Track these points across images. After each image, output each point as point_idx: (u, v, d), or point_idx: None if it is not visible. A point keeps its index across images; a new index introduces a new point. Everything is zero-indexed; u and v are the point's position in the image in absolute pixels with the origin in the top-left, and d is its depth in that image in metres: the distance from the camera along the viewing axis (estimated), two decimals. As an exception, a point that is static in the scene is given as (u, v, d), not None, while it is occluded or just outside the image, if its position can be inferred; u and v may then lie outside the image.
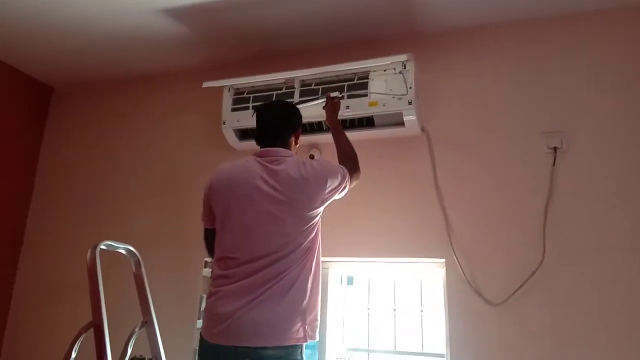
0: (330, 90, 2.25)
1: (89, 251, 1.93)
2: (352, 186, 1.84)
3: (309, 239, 1.68)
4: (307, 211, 1.67)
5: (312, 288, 1.67)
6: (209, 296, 1.69)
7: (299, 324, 1.60)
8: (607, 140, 2.10)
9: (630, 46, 2.16)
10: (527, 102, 2.24)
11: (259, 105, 1.93)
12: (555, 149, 2.13)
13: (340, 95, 2.22)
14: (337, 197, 1.77)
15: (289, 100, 2.23)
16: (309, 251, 1.69)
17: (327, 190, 1.70)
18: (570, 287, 1.99)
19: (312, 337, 1.65)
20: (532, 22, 2.32)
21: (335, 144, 2.03)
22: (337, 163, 1.86)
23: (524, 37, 2.33)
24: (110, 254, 2.08)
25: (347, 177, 1.80)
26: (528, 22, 2.33)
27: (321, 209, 1.72)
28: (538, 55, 2.28)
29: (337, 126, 2.08)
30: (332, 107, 2.15)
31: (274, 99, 2.32)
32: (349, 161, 1.92)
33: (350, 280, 2.50)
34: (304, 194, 1.67)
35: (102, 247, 1.99)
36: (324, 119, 2.23)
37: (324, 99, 2.20)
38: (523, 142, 2.20)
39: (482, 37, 2.39)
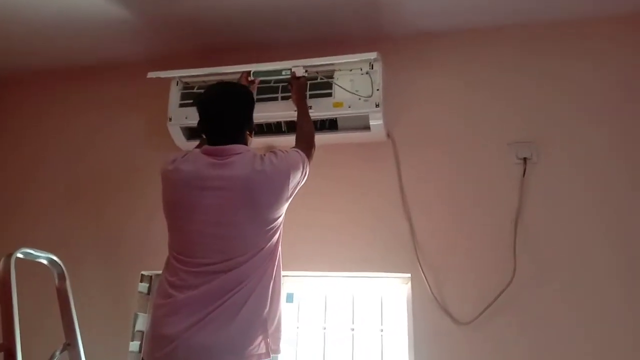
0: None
1: (2, 260, 1.65)
2: (310, 166, 1.67)
3: (270, 242, 1.51)
4: (267, 211, 1.49)
5: (272, 296, 1.49)
6: (154, 309, 1.47)
7: (259, 338, 1.42)
8: (579, 151, 2.04)
9: (605, 56, 2.13)
10: (498, 111, 2.16)
11: (201, 94, 1.67)
12: (525, 159, 2.05)
13: (305, 73, 2.05)
14: (300, 185, 1.61)
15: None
16: (270, 256, 1.51)
17: (290, 186, 1.53)
18: (543, 304, 1.88)
19: (276, 351, 1.48)
20: (504, 29, 2.26)
21: (297, 120, 1.89)
22: (293, 148, 1.68)
23: (495, 43, 2.26)
24: (30, 263, 1.79)
25: (306, 161, 1.63)
26: (499, 28, 2.26)
27: (284, 208, 1.55)
28: (509, 62, 2.21)
29: (303, 106, 1.94)
30: (298, 86, 2.01)
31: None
32: (305, 139, 1.77)
33: (289, 298, 2.29)
34: (263, 192, 1.48)
35: (19, 255, 1.71)
36: (284, 118, 2.07)
37: (289, 76, 2.05)
38: (492, 152, 2.11)
39: (452, 42, 2.30)
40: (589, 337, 1.83)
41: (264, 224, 1.48)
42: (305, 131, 1.83)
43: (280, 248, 1.59)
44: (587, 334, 1.83)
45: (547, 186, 2.02)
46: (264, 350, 1.42)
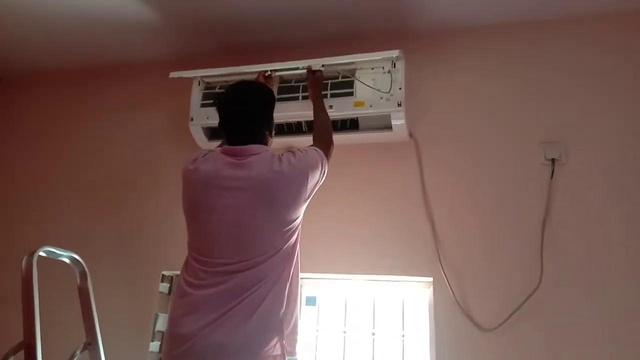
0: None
1: (25, 258, 1.67)
2: (329, 163, 1.65)
3: (288, 244, 1.49)
4: (285, 212, 1.47)
5: (289, 297, 1.47)
6: (172, 308, 1.48)
7: (275, 339, 1.40)
8: (608, 152, 1.95)
9: (637, 52, 2.03)
10: (524, 110, 2.09)
11: (220, 94, 1.67)
12: (553, 160, 1.97)
13: (322, 68, 2.02)
14: (319, 185, 1.58)
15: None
16: (288, 257, 1.49)
17: (309, 187, 1.50)
18: (570, 311, 1.81)
19: (292, 353, 1.46)
20: (532, 24, 2.18)
21: (314, 117, 1.87)
22: (311, 146, 1.64)
23: (523, 39, 2.18)
24: (52, 262, 1.81)
25: (325, 160, 1.60)
26: (528, 23, 2.18)
27: (302, 209, 1.52)
28: (538, 60, 2.13)
29: (319, 101, 1.92)
30: (314, 81, 1.99)
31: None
32: (323, 137, 1.75)
33: (311, 301, 2.26)
34: (281, 192, 1.46)
35: (42, 253, 1.73)
36: (304, 118, 2.05)
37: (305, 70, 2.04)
38: (519, 153, 2.04)
39: (477, 38, 2.23)
40: (617, 344, 1.74)
41: (282, 225, 1.46)
42: (322, 128, 1.81)
43: (298, 249, 1.57)
44: (616, 341, 1.75)
45: (575, 188, 1.94)
46: (279, 352, 1.41)
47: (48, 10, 2.31)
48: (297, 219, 1.51)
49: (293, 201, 1.47)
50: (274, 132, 1.70)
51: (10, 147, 2.83)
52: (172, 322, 1.44)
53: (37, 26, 2.45)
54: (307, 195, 1.51)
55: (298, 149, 1.57)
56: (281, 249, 1.46)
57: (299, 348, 1.51)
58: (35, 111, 2.87)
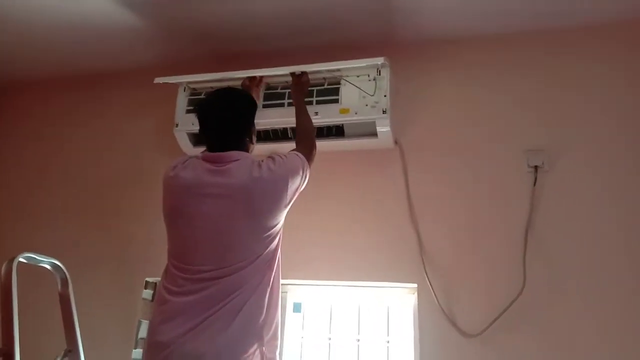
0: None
1: (5, 264, 1.66)
2: (311, 168, 1.64)
3: (268, 250, 1.48)
4: (265, 218, 1.46)
5: (269, 303, 1.46)
6: (152, 316, 1.46)
7: (254, 346, 1.39)
8: (592, 159, 1.97)
9: (621, 61, 2.06)
10: (508, 118, 2.11)
11: (200, 100, 1.68)
12: (536, 167, 1.99)
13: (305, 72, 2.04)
14: (300, 190, 1.58)
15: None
16: (268, 264, 1.48)
17: (289, 193, 1.50)
18: (554, 315, 1.82)
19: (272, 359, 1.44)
20: (516, 35, 2.20)
21: (296, 120, 1.86)
22: (293, 151, 1.64)
23: (507, 49, 2.20)
24: (34, 269, 1.78)
25: (306, 165, 1.60)
26: (511, 35, 2.21)
27: (283, 215, 1.52)
28: (522, 69, 2.16)
29: (301, 105, 1.91)
30: (299, 85, 1.99)
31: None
32: (305, 139, 1.75)
33: (297, 308, 2.25)
34: (261, 199, 1.46)
35: (22, 259, 1.71)
36: (290, 124, 2.05)
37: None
38: (502, 160, 2.06)
39: (462, 48, 2.25)
40: (604, 348, 1.76)
41: (262, 231, 1.46)
42: (305, 132, 1.81)
43: (279, 255, 1.56)
44: (602, 345, 1.76)
45: (558, 195, 1.96)
46: (258, 359, 1.39)
47: (36, 20, 2.30)
48: (277, 224, 1.51)
49: (273, 207, 1.47)
50: (255, 138, 1.69)
51: (1, 155, 2.80)
52: (152, 330, 1.43)
53: (26, 35, 2.43)
54: (288, 201, 1.51)
55: (278, 155, 1.56)
56: (261, 254, 1.46)
57: (279, 355, 1.50)
58: (25, 120, 2.85)
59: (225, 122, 1.58)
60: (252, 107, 1.66)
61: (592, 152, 1.98)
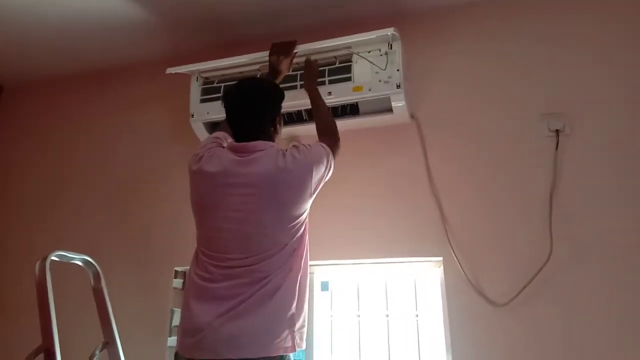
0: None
1: (38, 263, 1.71)
2: (336, 160, 1.64)
3: (294, 239, 1.49)
4: (290, 208, 1.47)
5: (299, 292, 1.49)
6: (183, 302, 1.50)
7: (286, 332, 1.42)
8: (614, 121, 1.92)
9: (637, 21, 1.98)
10: (526, 82, 2.05)
11: (227, 89, 1.69)
12: (557, 131, 1.95)
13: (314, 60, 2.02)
14: (325, 180, 1.58)
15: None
16: (296, 252, 1.50)
17: (314, 182, 1.50)
18: (581, 283, 1.80)
19: (300, 346, 1.48)
20: (528, -3, 2.14)
21: (313, 112, 1.85)
22: (317, 142, 1.63)
23: (521, 12, 2.14)
24: (66, 265, 1.84)
25: (331, 156, 1.59)
26: (522, -3, 2.14)
27: (309, 203, 1.53)
28: (538, 31, 2.10)
29: (315, 93, 1.89)
30: (309, 71, 1.97)
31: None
32: (328, 133, 1.72)
33: (324, 286, 2.27)
34: (286, 189, 1.47)
35: (54, 258, 1.76)
36: (304, 107, 2.04)
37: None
38: (522, 126, 2.01)
39: (474, 15, 2.20)
40: (629, 317, 1.74)
41: (288, 220, 1.47)
42: (326, 124, 1.78)
43: (307, 243, 1.57)
44: (628, 313, 1.74)
45: (582, 159, 1.92)
46: (290, 344, 1.42)
47: (42, 18, 2.32)
48: (302, 214, 1.51)
49: (298, 196, 1.48)
50: (280, 128, 1.69)
51: (19, 154, 2.86)
52: (185, 315, 1.46)
53: (35, 34, 2.45)
54: (312, 190, 1.51)
55: (303, 145, 1.57)
56: (288, 244, 1.47)
57: (304, 340, 1.52)
58: (41, 118, 2.89)
59: (250, 112, 1.58)
60: (277, 97, 1.66)
61: (613, 112, 1.93)
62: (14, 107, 2.97)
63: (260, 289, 1.41)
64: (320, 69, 2.05)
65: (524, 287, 1.83)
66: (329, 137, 1.69)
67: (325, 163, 1.55)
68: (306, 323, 1.53)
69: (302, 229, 1.54)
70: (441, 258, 1.99)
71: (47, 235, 2.60)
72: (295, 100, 2.04)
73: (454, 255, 1.95)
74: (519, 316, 1.82)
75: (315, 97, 1.87)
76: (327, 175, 1.58)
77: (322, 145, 1.59)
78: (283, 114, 2.11)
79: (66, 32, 2.44)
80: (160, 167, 2.50)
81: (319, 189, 1.55)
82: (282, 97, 1.67)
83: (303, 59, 2.05)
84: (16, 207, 2.75)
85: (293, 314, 1.45)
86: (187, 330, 1.43)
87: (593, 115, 1.95)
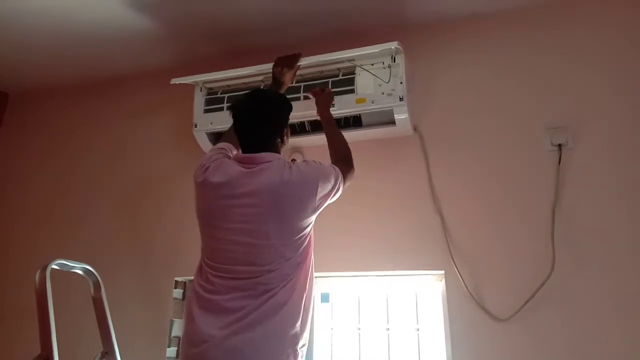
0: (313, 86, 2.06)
1: (38, 272, 1.70)
2: (346, 186, 1.64)
3: (298, 252, 1.48)
4: (294, 221, 1.46)
5: (304, 312, 1.47)
6: (186, 312, 1.49)
7: (288, 350, 1.40)
8: (617, 135, 1.92)
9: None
10: (530, 95, 2.06)
11: (235, 101, 1.69)
12: (560, 146, 1.95)
13: (329, 88, 2.02)
14: (330, 201, 1.57)
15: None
16: (300, 266, 1.48)
17: (318, 197, 1.49)
18: (585, 296, 1.79)
19: None
20: (534, 9, 2.15)
21: (327, 139, 1.83)
22: (329, 163, 1.64)
23: (524, 25, 2.15)
24: (66, 274, 1.83)
25: (340, 178, 1.59)
26: (529, 9, 2.15)
27: (313, 218, 1.52)
28: (540, 44, 2.11)
29: (330, 120, 1.89)
30: (323, 99, 1.97)
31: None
32: (342, 159, 1.72)
33: (324, 298, 2.26)
34: (289, 201, 1.46)
35: (54, 266, 1.75)
36: (307, 118, 2.05)
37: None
38: (525, 141, 2.02)
39: (477, 27, 2.21)
40: (634, 328, 1.72)
41: (292, 234, 1.46)
42: (338, 148, 1.78)
43: (311, 259, 1.56)
44: (633, 325, 1.72)
45: (585, 173, 1.91)
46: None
47: (47, 28, 2.34)
48: (306, 228, 1.50)
49: (301, 210, 1.47)
50: (287, 139, 1.69)
51: (25, 162, 2.87)
52: (189, 325, 1.45)
53: (41, 43, 2.47)
54: (316, 205, 1.50)
55: (314, 160, 1.57)
56: (291, 257, 1.46)
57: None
58: (46, 126, 2.90)
59: (259, 123, 1.58)
60: (284, 108, 1.66)
61: (616, 126, 1.93)
62: (20, 115, 2.99)
63: (265, 302, 1.40)
64: (323, 80, 2.06)
65: (527, 301, 1.81)
66: (344, 165, 1.68)
67: (332, 182, 1.54)
68: (307, 341, 1.51)
69: (307, 242, 1.52)
70: (443, 271, 1.98)
71: (48, 243, 2.60)
72: (298, 111, 2.04)
73: (455, 268, 1.94)
74: (522, 331, 1.81)
75: (330, 125, 1.88)
76: (333, 196, 1.57)
77: (333, 167, 1.60)
78: (287, 125, 2.13)
79: (72, 41, 2.46)
80: (163, 176, 2.50)
81: (323, 206, 1.54)
82: (290, 109, 1.68)
83: (306, 70, 2.05)
84: (19, 215, 2.75)
85: (296, 333, 1.43)
86: (190, 341, 1.41)
87: (596, 129, 1.95)
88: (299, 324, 1.44)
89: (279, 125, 1.63)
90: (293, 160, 2.23)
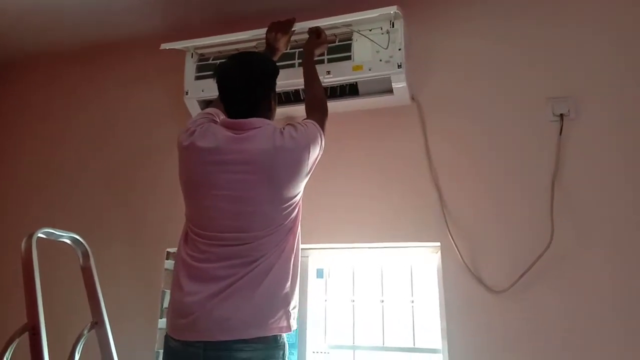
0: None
1: (24, 240, 1.65)
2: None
3: (289, 219, 1.45)
4: (286, 188, 1.43)
5: (293, 271, 1.46)
6: (173, 281, 1.46)
7: (281, 312, 1.39)
8: (619, 105, 1.86)
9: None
10: (532, 65, 2.00)
11: (219, 64, 1.61)
12: (561, 116, 1.90)
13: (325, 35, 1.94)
14: (318, 160, 1.54)
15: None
16: (290, 232, 1.46)
17: (310, 161, 1.46)
18: (582, 270, 1.76)
19: (293, 326, 1.45)
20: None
21: (305, 81, 1.78)
22: (310, 120, 1.57)
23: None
24: (55, 245, 1.79)
25: (322, 133, 1.54)
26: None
27: (303, 184, 1.48)
28: (542, 14, 2.03)
29: (312, 68, 1.82)
30: (316, 45, 1.90)
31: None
32: (318, 106, 1.67)
33: (319, 274, 2.23)
34: (283, 167, 1.42)
35: (41, 235, 1.70)
36: (302, 86, 1.97)
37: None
38: (526, 110, 1.96)
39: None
40: (632, 304, 1.70)
41: (282, 201, 1.43)
42: (318, 99, 1.72)
43: (299, 224, 1.54)
44: (631, 301, 1.70)
45: (586, 145, 1.87)
46: (285, 324, 1.40)
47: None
48: (297, 194, 1.48)
49: (294, 176, 1.43)
50: (275, 104, 1.64)
51: (15, 130, 2.80)
52: (176, 294, 1.43)
53: (30, 8, 2.38)
54: (308, 170, 1.47)
55: (299, 123, 1.52)
56: (282, 223, 1.44)
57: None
58: (36, 94, 2.83)
59: (244, 88, 1.52)
60: (272, 72, 1.59)
61: (618, 96, 1.87)
62: (6, 85, 2.90)
63: (254, 269, 1.38)
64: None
65: (523, 274, 1.79)
66: (318, 111, 1.64)
67: (319, 143, 1.51)
68: (297, 303, 1.49)
69: (297, 210, 1.50)
70: (439, 243, 1.95)
71: (39, 213, 2.56)
72: (292, 79, 1.99)
73: (452, 240, 1.90)
74: (518, 303, 1.79)
75: (313, 70, 1.81)
76: (320, 155, 1.53)
77: (314, 124, 1.54)
78: (280, 94, 2.07)
79: (61, 5, 2.36)
80: (154, 145, 2.44)
81: (313, 170, 1.51)
82: (276, 72, 1.61)
83: (301, 36, 1.98)
84: (9, 184, 2.70)
85: (287, 293, 1.42)
86: (178, 311, 1.39)
87: (598, 99, 1.89)
88: (288, 284, 1.42)
89: (267, 89, 1.57)
90: (291, 125, 2.18)
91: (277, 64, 1.92)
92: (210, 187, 1.44)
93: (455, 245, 1.89)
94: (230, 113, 1.55)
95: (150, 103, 2.52)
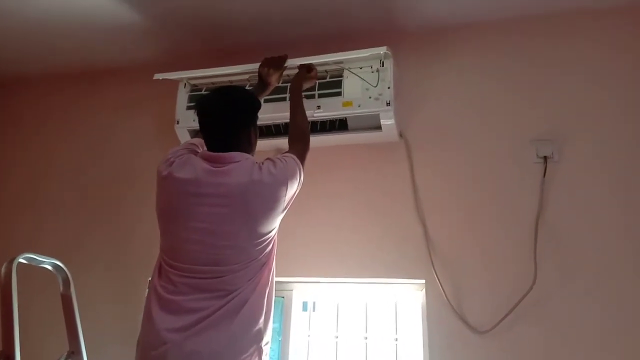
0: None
1: (4, 265, 1.62)
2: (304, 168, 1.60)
3: (263, 254, 1.45)
4: (263, 222, 1.43)
5: (267, 306, 1.44)
6: (145, 313, 1.44)
7: (253, 347, 1.37)
8: (603, 149, 1.91)
9: (630, 46, 1.99)
10: (516, 107, 2.05)
11: (201, 97, 1.64)
12: (545, 158, 1.94)
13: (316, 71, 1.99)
14: (295, 195, 1.54)
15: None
16: (265, 266, 1.46)
17: (287, 198, 1.47)
18: (566, 312, 1.77)
19: None
20: (522, 20, 2.14)
21: (290, 110, 1.80)
22: (290, 155, 1.57)
23: (513, 36, 2.14)
24: (36, 269, 1.76)
25: (301, 169, 1.55)
26: (518, 19, 2.14)
27: (278, 220, 1.48)
28: (528, 56, 2.10)
29: (299, 100, 1.84)
30: (305, 79, 1.94)
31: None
32: (300, 138, 1.69)
33: (304, 307, 2.21)
34: (259, 203, 1.42)
35: (22, 260, 1.68)
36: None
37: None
38: (511, 151, 2.00)
39: (466, 35, 2.20)
40: (616, 346, 1.70)
41: (258, 235, 1.43)
42: (300, 132, 1.74)
43: (274, 259, 1.53)
44: (615, 343, 1.71)
45: (569, 186, 1.90)
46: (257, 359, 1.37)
47: (34, 17, 2.27)
48: (272, 230, 1.48)
49: (270, 212, 1.43)
50: (256, 139, 1.64)
51: (1, 151, 2.78)
52: (148, 325, 1.40)
53: (24, 33, 2.41)
54: (285, 206, 1.48)
55: (278, 158, 1.52)
56: (256, 258, 1.43)
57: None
58: (25, 116, 2.82)
59: (225, 122, 1.53)
60: (253, 107, 1.61)
61: (601, 140, 1.92)
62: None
63: (228, 302, 1.37)
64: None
65: (508, 313, 1.79)
66: (300, 142, 1.67)
67: (298, 178, 1.52)
68: (270, 340, 1.48)
69: (271, 244, 1.50)
70: (424, 281, 1.95)
71: (22, 235, 2.53)
72: (282, 112, 2.00)
73: (436, 278, 1.91)
74: (502, 343, 1.79)
75: (299, 102, 1.83)
76: (298, 190, 1.54)
77: (294, 159, 1.54)
78: (270, 126, 2.10)
79: (57, 32, 2.39)
80: (141, 172, 2.43)
81: (290, 205, 1.51)
82: (257, 107, 1.62)
83: (293, 71, 2.02)
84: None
85: (260, 329, 1.40)
86: (149, 344, 1.37)
87: (582, 143, 1.94)
88: (262, 319, 1.41)
89: (248, 124, 1.58)
90: (270, 160, 2.19)
91: (268, 96, 1.97)
92: (187, 219, 1.43)
93: (440, 284, 1.90)
94: (209, 146, 1.55)
95: (138, 130, 2.53)
